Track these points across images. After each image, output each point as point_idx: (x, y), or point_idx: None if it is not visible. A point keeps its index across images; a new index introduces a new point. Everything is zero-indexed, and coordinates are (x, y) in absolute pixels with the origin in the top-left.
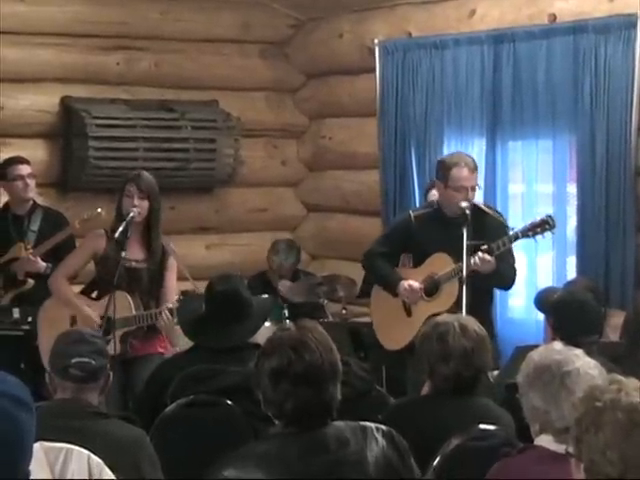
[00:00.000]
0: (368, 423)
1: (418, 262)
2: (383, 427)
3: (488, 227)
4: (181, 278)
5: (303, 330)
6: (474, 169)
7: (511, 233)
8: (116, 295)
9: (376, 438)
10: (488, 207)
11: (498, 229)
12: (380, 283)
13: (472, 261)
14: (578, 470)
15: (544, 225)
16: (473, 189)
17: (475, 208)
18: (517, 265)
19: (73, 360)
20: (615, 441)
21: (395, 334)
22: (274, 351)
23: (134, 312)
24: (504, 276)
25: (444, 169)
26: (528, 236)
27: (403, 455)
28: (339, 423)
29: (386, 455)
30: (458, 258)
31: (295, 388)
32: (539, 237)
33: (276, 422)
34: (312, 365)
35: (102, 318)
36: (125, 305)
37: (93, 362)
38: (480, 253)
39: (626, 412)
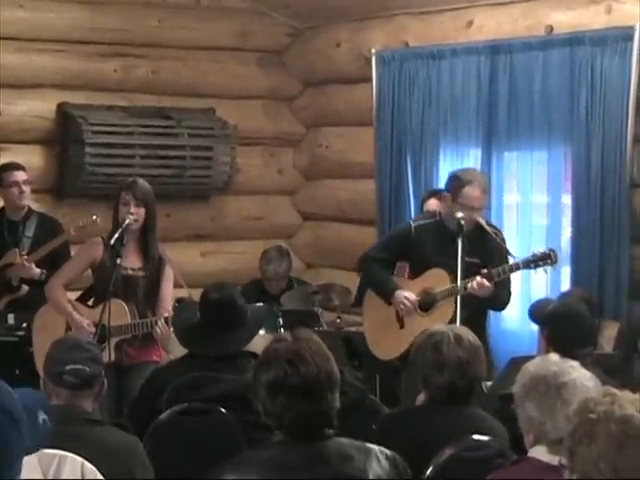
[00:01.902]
0: (372, 445)
1: (415, 273)
2: (387, 451)
3: (488, 245)
4: (177, 285)
5: (299, 341)
6: (485, 190)
7: (512, 262)
8: (112, 303)
9: (379, 460)
10: (488, 224)
11: (498, 248)
12: (375, 289)
13: (469, 285)
14: None
15: (546, 259)
16: (480, 209)
17: (475, 225)
18: (512, 286)
19: (67, 367)
20: (608, 453)
21: (386, 344)
22: (270, 364)
23: (129, 320)
24: (500, 299)
25: (457, 184)
26: (529, 267)
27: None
28: (342, 439)
29: (390, 478)
30: (456, 275)
31: (292, 401)
32: (540, 269)
33: (276, 432)
34: (308, 377)
35: (97, 325)
36: (121, 313)
37: (87, 369)
38: (479, 278)
39: (619, 424)
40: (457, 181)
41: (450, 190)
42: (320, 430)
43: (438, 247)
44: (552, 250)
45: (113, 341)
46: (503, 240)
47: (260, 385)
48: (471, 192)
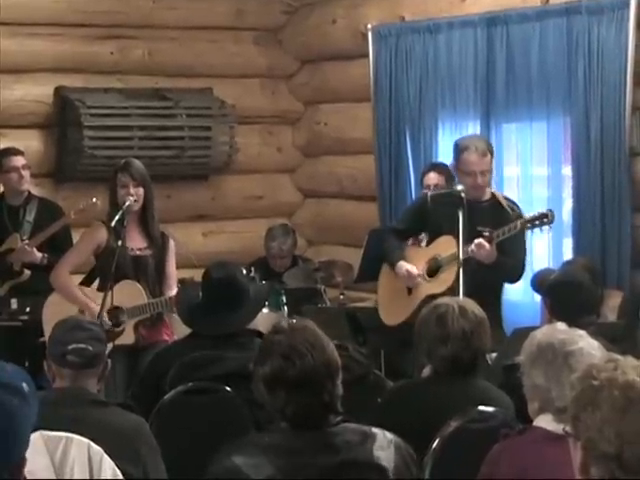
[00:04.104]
0: (376, 430)
1: (431, 242)
2: (390, 436)
3: (500, 218)
4: (187, 265)
5: (293, 333)
6: (484, 153)
7: (511, 224)
8: (125, 284)
9: (383, 446)
10: (506, 198)
11: (510, 222)
12: (384, 259)
13: (470, 248)
14: (576, 449)
15: (542, 219)
16: (483, 173)
17: (492, 198)
18: (527, 258)
19: (70, 347)
20: (611, 418)
21: (394, 310)
22: (265, 359)
23: (146, 300)
24: (507, 268)
25: (457, 151)
26: (527, 228)
27: (409, 465)
28: (348, 425)
29: (396, 465)
30: (465, 242)
31: (291, 395)
32: (537, 230)
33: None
34: (304, 370)
35: (115, 309)
36: (136, 293)
37: (90, 348)
38: (476, 240)
39: (622, 390)
40: (456, 149)
41: (454, 158)
42: (324, 419)
43: (452, 216)
44: (550, 210)
45: (131, 322)
46: (520, 215)
47: (258, 379)
48: (468, 157)
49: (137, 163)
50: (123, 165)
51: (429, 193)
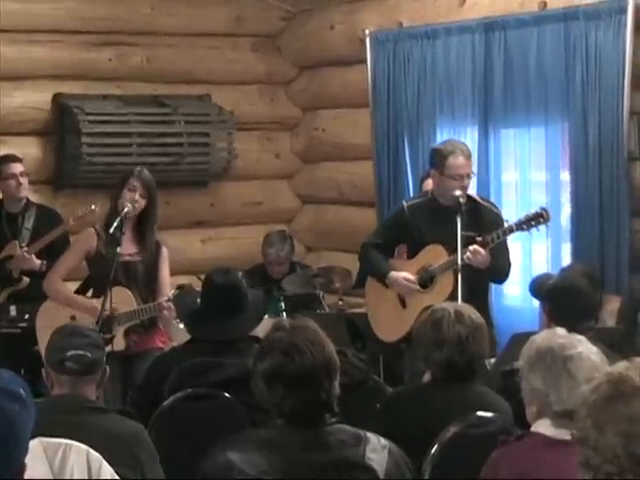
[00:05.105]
0: (370, 434)
1: (413, 252)
2: (384, 441)
3: (483, 219)
4: (184, 272)
5: (294, 331)
6: (469, 156)
7: (506, 226)
8: (116, 290)
9: (376, 450)
10: (482, 198)
11: (493, 220)
12: (371, 274)
13: (465, 256)
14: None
15: (538, 218)
16: (469, 176)
17: (469, 200)
18: (511, 257)
19: (69, 353)
20: (595, 410)
21: (391, 326)
22: (265, 354)
23: (136, 306)
24: (499, 270)
25: (440, 157)
26: (522, 229)
27: (404, 471)
28: (343, 426)
29: (388, 470)
30: (452, 248)
31: (289, 391)
32: (533, 230)
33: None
34: (304, 367)
35: (100, 315)
36: (126, 299)
37: (89, 354)
38: (471, 247)
39: (613, 383)
40: (439, 154)
41: (435, 165)
42: (320, 417)
43: (432, 224)
44: (544, 209)
45: (122, 328)
46: (498, 213)
47: (257, 375)
48: (455, 161)
49: (148, 174)
50: (138, 172)
51: (405, 204)
